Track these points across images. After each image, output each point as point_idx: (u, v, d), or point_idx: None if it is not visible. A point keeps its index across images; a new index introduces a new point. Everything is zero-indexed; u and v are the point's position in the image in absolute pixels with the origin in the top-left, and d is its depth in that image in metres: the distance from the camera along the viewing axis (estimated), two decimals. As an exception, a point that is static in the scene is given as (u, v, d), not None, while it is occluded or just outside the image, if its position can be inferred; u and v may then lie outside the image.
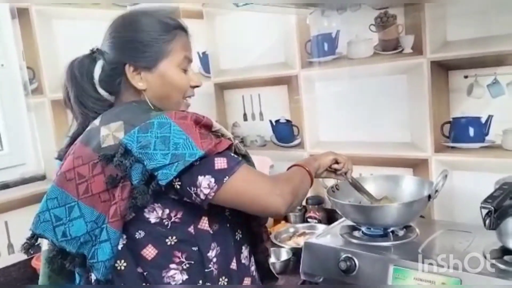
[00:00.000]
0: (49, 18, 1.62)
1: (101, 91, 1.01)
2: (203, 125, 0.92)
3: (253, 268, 1.06)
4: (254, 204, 0.93)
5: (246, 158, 0.99)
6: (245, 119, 2.06)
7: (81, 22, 1.68)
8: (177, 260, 0.93)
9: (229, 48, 2.05)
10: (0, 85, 1.53)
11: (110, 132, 0.90)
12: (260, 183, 0.93)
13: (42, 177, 1.56)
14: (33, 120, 1.59)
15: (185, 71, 1.02)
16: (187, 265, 0.93)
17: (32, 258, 1.50)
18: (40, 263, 1.09)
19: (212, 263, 0.94)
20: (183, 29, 1.03)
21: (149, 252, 0.92)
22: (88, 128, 0.96)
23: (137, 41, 0.98)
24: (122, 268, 0.93)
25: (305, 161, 1.18)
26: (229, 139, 0.95)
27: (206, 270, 0.93)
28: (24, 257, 1.50)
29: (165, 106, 1.00)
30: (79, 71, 1.02)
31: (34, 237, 0.97)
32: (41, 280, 1.03)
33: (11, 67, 1.55)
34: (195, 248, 0.93)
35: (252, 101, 2.02)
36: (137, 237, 0.92)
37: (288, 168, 1.12)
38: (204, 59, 2.11)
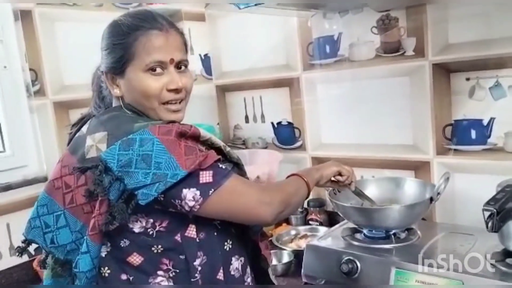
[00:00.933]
0: (51, 20, 1.63)
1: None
2: (189, 136, 0.89)
3: (248, 280, 1.04)
4: (242, 214, 0.92)
5: (238, 165, 0.97)
6: (247, 121, 2.07)
7: (83, 25, 1.69)
8: (165, 267, 0.92)
9: (231, 50, 2.05)
10: (2, 87, 1.53)
11: (94, 143, 0.90)
12: (248, 193, 0.92)
13: (44, 179, 1.56)
14: (36, 122, 1.60)
15: (158, 73, 0.93)
16: (173, 273, 0.92)
17: (34, 260, 1.51)
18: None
19: (197, 272, 0.92)
20: (150, 28, 0.93)
21: (135, 259, 0.92)
22: (77, 135, 0.98)
23: (104, 49, 0.97)
24: (106, 275, 0.93)
25: (305, 171, 1.15)
26: (219, 148, 0.94)
27: (192, 280, 0.92)
28: (26, 259, 1.50)
29: (145, 112, 0.96)
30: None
31: (26, 241, 0.99)
32: (45, 280, 1.03)
33: (14, 69, 1.55)
34: (182, 257, 0.92)
35: (254, 103, 2.02)
36: (122, 246, 0.92)
37: (288, 177, 1.10)
38: (206, 61, 2.12)
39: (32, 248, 1.02)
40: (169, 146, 0.85)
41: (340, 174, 1.24)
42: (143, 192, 0.83)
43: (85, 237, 0.90)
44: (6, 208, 1.51)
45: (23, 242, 1.00)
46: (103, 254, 0.93)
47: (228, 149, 0.96)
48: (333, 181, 1.25)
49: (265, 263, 1.10)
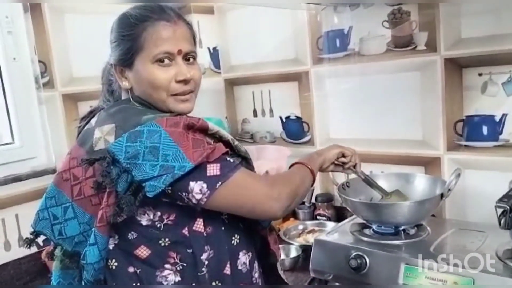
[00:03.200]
0: (61, 12, 1.63)
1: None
2: (197, 129, 0.89)
3: (256, 275, 1.03)
4: (249, 208, 0.91)
5: (245, 159, 0.97)
6: (255, 115, 2.06)
7: (93, 17, 1.69)
8: (172, 260, 0.92)
9: (240, 43, 2.04)
10: (12, 79, 1.54)
11: (102, 135, 0.90)
12: (256, 187, 0.91)
13: (53, 171, 1.56)
14: (44, 114, 1.60)
15: (166, 65, 0.93)
16: (180, 267, 0.92)
17: (42, 251, 1.51)
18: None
19: (204, 266, 0.92)
20: (158, 19, 0.92)
21: (142, 252, 0.92)
22: (85, 128, 0.98)
23: (112, 42, 0.97)
24: (114, 267, 0.93)
25: (308, 157, 1.14)
26: (227, 141, 0.94)
27: (199, 274, 0.92)
28: (34, 250, 1.51)
29: (153, 104, 0.95)
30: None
31: (34, 233, 0.99)
32: (53, 272, 1.04)
33: (23, 61, 1.55)
34: (189, 250, 0.92)
35: (262, 97, 2.01)
36: (130, 238, 0.92)
37: (291, 166, 1.10)
38: (215, 55, 2.11)
39: (40, 239, 1.03)
40: (177, 138, 0.85)
41: (343, 155, 1.24)
42: (150, 184, 0.83)
43: (93, 229, 0.90)
44: (15, 199, 1.52)
45: (31, 233, 1.00)
46: (110, 247, 0.93)
47: (236, 142, 0.96)
48: (337, 164, 1.24)
49: (274, 258, 1.10)
